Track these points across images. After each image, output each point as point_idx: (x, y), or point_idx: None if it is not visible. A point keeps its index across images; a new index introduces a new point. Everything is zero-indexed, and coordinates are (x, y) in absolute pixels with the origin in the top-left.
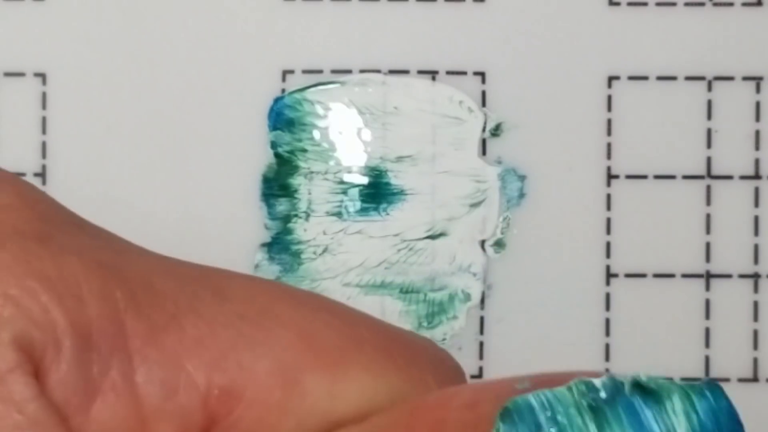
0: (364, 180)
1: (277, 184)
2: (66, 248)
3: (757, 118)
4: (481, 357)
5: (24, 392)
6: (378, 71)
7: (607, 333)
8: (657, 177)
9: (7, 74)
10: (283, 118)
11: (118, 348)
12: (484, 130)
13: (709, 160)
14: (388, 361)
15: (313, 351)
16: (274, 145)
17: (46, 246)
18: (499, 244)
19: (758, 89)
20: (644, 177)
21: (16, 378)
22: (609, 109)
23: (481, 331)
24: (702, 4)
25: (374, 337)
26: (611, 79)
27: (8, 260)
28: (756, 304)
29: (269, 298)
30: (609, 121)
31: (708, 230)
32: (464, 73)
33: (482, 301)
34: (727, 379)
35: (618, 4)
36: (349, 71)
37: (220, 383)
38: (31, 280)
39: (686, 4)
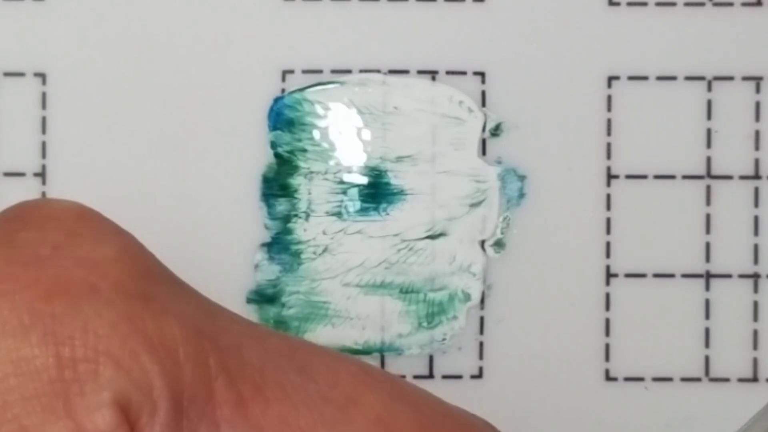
0: (364, 180)
1: (277, 184)
2: (167, 310)
3: (757, 118)
4: (481, 357)
5: None
6: (378, 71)
7: (607, 333)
8: (657, 177)
9: (7, 74)
10: (283, 118)
11: (207, 415)
12: (484, 130)
13: (709, 160)
14: None
15: None
16: (274, 145)
17: (149, 306)
18: (499, 244)
19: (758, 89)
20: (644, 177)
21: None
22: (609, 109)
23: (481, 331)
24: (702, 4)
25: (448, 429)
26: (611, 79)
27: (114, 319)
28: (756, 304)
29: (351, 381)
30: (609, 121)
31: (708, 230)
32: (464, 73)
33: (482, 301)
34: (727, 379)
35: (618, 4)
36: (349, 71)
37: None
38: (133, 341)
39: (686, 4)
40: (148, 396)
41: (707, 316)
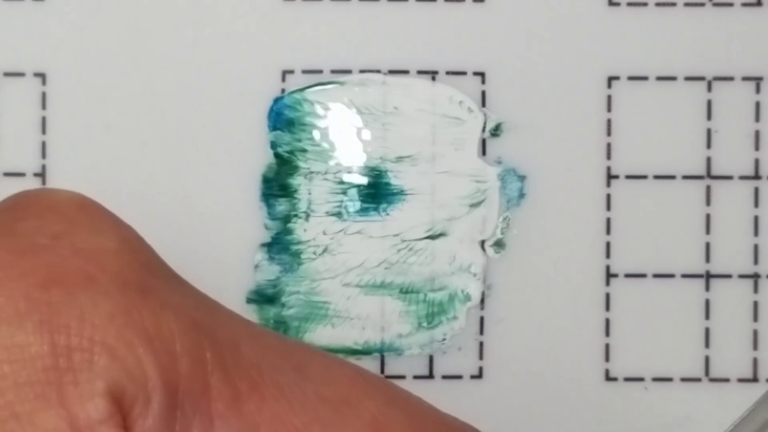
0: (364, 180)
1: (277, 184)
2: (165, 303)
3: (757, 118)
4: (481, 357)
5: None
6: (378, 71)
7: (607, 333)
8: (657, 177)
9: (7, 74)
10: (283, 118)
11: (202, 409)
12: (484, 130)
13: (709, 160)
14: None
15: None
16: (274, 145)
17: (146, 299)
18: (499, 244)
19: (758, 89)
20: (644, 177)
21: (107, 429)
22: (609, 109)
23: (481, 331)
24: (702, 4)
25: None
26: (611, 79)
27: (111, 309)
28: (756, 304)
29: (347, 383)
30: (609, 121)
31: (708, 230)
32: (464, 73)
33: (482, 301)
34: (727, 379)
35: (618, 4)
36: (349, 71)
37: None
38: (129, 332)
39: (686, 4)
40: (142, 387)
41: (707, 316)
